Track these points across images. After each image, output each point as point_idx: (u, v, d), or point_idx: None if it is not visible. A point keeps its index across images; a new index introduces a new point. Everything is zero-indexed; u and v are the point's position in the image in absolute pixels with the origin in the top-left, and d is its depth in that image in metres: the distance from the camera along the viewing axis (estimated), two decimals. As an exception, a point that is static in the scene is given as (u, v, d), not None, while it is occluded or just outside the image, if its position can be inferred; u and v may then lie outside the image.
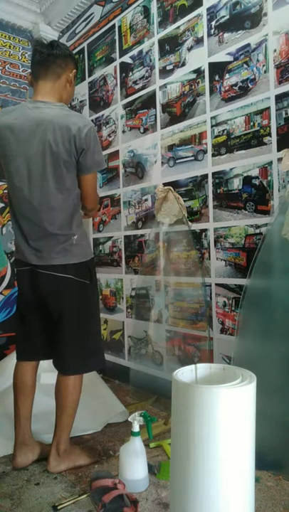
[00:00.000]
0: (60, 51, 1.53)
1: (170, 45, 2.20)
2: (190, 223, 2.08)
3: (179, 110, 2.15)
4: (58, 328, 1.54)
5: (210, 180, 1.99)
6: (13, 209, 1.55)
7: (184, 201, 2.10)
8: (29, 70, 1.63)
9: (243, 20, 1.83)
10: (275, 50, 1.71)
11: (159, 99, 2.27)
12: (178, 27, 2.15)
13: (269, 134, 1.74)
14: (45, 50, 1.51)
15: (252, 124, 1.80)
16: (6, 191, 2.84)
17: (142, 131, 2.41)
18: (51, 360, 1.62)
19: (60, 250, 1.50)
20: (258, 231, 1.79)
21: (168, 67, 2.22)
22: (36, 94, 1.54)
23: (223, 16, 1.91)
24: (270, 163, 1.73)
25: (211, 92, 1.98)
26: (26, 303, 1.59)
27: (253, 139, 1.80)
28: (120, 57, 2.56)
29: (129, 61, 2.48)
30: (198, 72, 2.04)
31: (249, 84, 1.81)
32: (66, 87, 1.58)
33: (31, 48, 3.04)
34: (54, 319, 1.55)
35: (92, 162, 1.50)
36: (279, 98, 1.70)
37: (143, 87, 2.39)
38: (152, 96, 2.32)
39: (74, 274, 1.51)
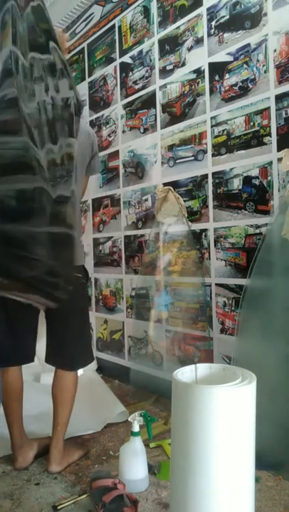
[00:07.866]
0: None
1: (170, 45, 2.20)
2: (190, 223, 2.08)
3: (179, 110, 2.15)
4: (64, 325, 1.55)
5: (210, 180, 1.99)
6: None
7: (184, 201, 2.10)
8: None
9: (243, 20, 1.83)
10: (275, 50, 1.71)
11: (159, 99, 2.27)
12: (178, 27, 2.15)
13: (269, 134, 1.74)
14: None
15: (252, 124, 1.80)
16: None
17: (142, 131, 2.41)
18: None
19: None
20: (258, 231, 1.79)
21: (168, 67, 2.22)
22: None
23: (223, 16, 1.91)
24: (270, 163, 1.73)
25: (211, 92, 1.98)
26: (19, 303, 1.54)
27: (253, 139, 1.80)
28: (120, 57, 2.56)
29: (129, 61, 2.48)
30: (198, 72, 2.04)
31: (249, 84, 1.81)
32: None
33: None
34: (61, 317, 1.54)
35: (98, 166, 1.70)
36: (279, 98, 1.70)
37: (143, 87, 2.39)
38: (152, 96, 2.32)
39: (81, 273, 1.58)
